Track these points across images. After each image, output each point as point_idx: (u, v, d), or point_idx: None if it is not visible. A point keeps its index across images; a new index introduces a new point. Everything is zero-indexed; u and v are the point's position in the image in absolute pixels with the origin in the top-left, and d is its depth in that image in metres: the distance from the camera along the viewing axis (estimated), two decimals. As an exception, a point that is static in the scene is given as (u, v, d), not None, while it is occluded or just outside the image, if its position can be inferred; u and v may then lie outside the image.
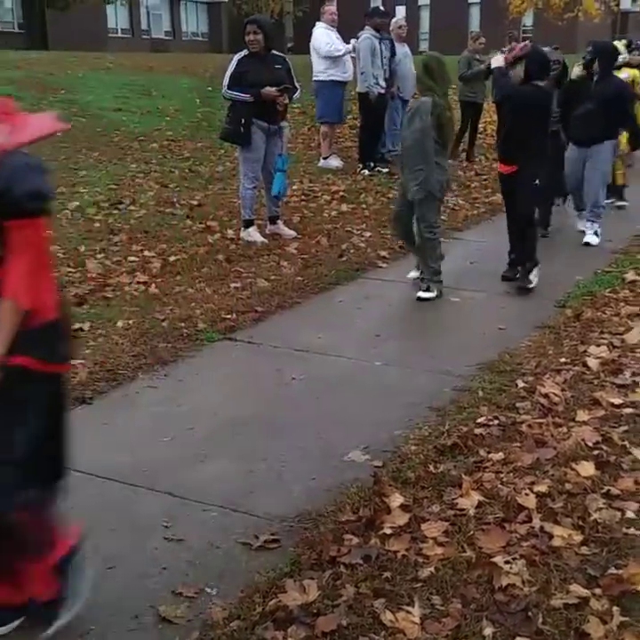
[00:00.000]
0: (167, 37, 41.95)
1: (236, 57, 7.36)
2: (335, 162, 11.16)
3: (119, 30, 39.79)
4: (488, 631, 2.51)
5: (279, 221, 7.80)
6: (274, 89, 7.17)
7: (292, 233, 7.71)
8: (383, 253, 7.22)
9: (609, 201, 9.26)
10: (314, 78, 10.87)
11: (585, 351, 4.85)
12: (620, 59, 8.84)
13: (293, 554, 2.99)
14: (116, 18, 39.29)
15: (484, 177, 10.78)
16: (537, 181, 6.17)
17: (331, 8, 10.82)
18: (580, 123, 7.42)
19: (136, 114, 12.98)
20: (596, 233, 7.71)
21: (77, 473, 3.57)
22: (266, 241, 7.48)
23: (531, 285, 6.23)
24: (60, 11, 31.10)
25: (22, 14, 33.59)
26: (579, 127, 7.47)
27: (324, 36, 10.64)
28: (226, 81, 7.31)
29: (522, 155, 6.12)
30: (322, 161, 11.19)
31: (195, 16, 45.35)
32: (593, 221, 7.73)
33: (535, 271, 6.30)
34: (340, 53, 10.64)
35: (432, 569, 2.82)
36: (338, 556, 2.92)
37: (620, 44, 9.54)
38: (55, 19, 31.97)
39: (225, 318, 5.51)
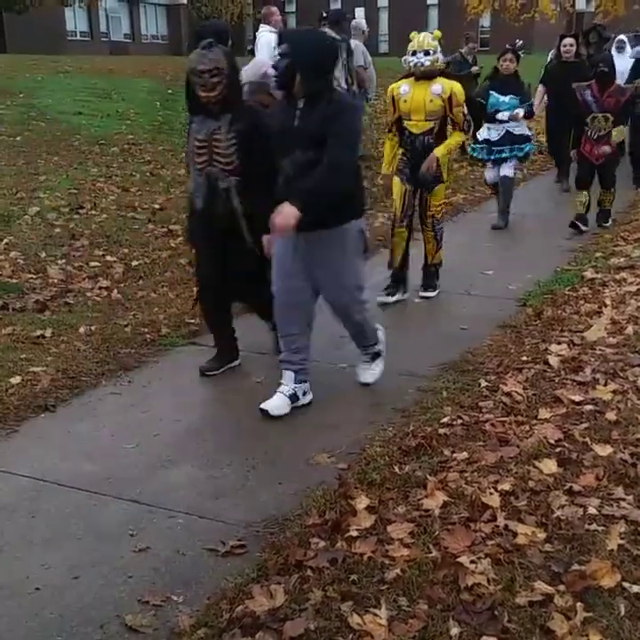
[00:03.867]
0: (126, 40, 41.66)
1: None
2: None
3: (78, 33, 39.44)
4: (454, 631, 2.52)
5: None
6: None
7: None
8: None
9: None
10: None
11: (546, 349, 4.89)
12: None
13: (260, 559, 2.99)
14: (75, 21, 38.96)
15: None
16: None
17: (274, 10, 10.67)
18: None
19: (96, 117, 12.87)
20: None
21: (41, 481, 3.58)
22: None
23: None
24: (17, 13, 30.76)
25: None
26: None
27: (264, 40, 10.35)
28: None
29: None
30: None
31: (154, 19, 45.09)
32: None
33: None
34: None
35: (398, 570, 2.83)
36: (304, 560, 2.92)
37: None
38: (12, 21, 31.64)
39: (188, 323, 5.49)
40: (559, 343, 4.94)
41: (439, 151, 5.95)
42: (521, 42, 8.20)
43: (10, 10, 30.65)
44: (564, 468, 3.49)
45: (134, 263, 6.75)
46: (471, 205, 9.88)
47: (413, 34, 6.09)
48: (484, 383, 4.42)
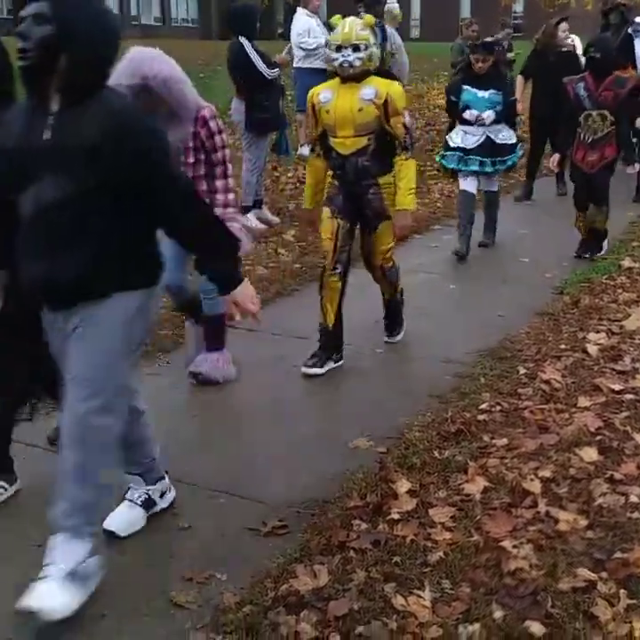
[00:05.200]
0: (157, 23, 41.69)
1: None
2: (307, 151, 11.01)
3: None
4: (498, 614, 2.54)
5: (264, 206, 7.85)
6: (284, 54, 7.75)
7: (276, 219, 7.75)
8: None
9: None
10: (294, 65, 10.78)
11: (584, 338, 4.88)
12: None
13: (302, 539, 3.02)
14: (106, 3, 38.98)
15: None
16: None
17: None
18: None
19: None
20: None
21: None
22: (265, 227, 7.50)
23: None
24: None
25: (10, 1, 33.34)
26: None
27: (299, 24, 10.48)
28: (261, 63, 7.38)
29: None
30: (299, 149, 11.06)
31: (185, 2, 45.07)
32: None
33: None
34: (311, 47, 10.44)
35: (441, 553, 2.85)
36: (347, 542, 2.95)
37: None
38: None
39: (225, 306, 5.51)
40: (597, 332, 4.93)
41: (405, 203, 4.50)
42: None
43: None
44: (604, 456, 3.49)
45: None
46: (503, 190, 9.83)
47: (336, 18, 4.64)
48: (522, 370, 4.42)
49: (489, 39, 7.68)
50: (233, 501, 3.33)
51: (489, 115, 6.71)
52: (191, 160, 4.16)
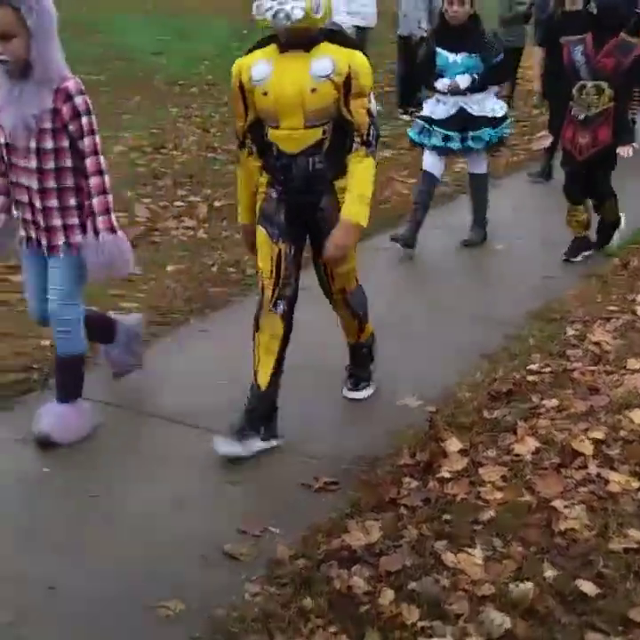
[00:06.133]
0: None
1: None
2: None
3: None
4: (549, 573, 2.57)
5: None
6: None
7: None
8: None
9: None
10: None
11: (634, 300, 4.84)
12: None
13: (353, 496, 3.06)
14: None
15: (524, 124, 10.60)
16: None
17: None
18: None
19: (174, 57, 12.89)
20: None
21: (141, 415, 3.71)
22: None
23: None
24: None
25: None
26: None
27: None
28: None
29: None
30: None
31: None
32: None
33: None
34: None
35: (492, 512, 2.88)
36: (397, 499, 2.99)
37: None
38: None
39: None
40: (647, 294, 4.88)
41: (354, 213, 3.30)
42: None
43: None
44: (656, 419, 3.48)
45: (217, 204, 6.80)
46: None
47: None
48: (571, 332, 4.41)
49: None
50: (285, 457, 3.39)
51: (463, 79, 5.64)
52: (49, 146, 3.26)
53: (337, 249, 3.35)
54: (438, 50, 5.73)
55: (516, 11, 10.56)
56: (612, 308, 4.77)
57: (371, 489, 3.07)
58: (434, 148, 5.84)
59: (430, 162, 5.91)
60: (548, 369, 3.97)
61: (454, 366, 4.13)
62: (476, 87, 5.70)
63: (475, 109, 5.74)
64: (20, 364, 4.11)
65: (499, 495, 2.97)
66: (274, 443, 3.45)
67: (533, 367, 3.99)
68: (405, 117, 10.55)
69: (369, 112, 3.31)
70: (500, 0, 11.35)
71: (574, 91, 5.39)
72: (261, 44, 3.37)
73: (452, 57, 5.68)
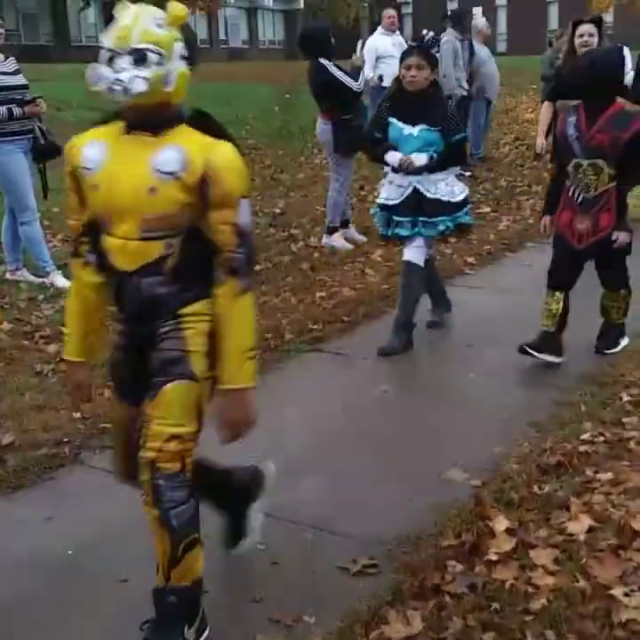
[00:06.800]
0: (244, 46, 42.38)
1: None
2: None
3: (198, 40, 40.37)
4: (609, 671, 2.34)
5: (351, 225, 7.75)
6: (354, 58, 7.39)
7: (363, 237, 7.62)
8: (470, 259, 7.04)
9: None
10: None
11: (692, 361, 4.60)
12: None
13: (394, 581, 2.85)
14: (196, 28, 39.90)
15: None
16: None
17: (387, 12, 10.65)
18: None
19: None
20: None
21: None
22: (351, 247, 7.40)
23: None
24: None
25: (105, 28, 34.29)
26: None
27: (369, 46, 10.23)
28: (347, 78, 7.14)
29: None
30: None
31: (271, 24, 45.73)
32: None
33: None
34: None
35: (544, 600, 2.65)
36: (442, 585, 2.78)
37: None
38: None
39: (312, 328, 5.42)
40: None
41: (239, 377, 2.50)
42: (430, 33, 5.11)
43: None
44: None
45: (256, 268, 6.72)
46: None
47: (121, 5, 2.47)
48: (626, 397, 4.17)
49: (425, 34, 5.04)
50: (321, 537, 3.19)
51: (417, 158, 4.84)
52: None
53: (231, 428, 2.55)
54: (392, 120, 4.91)
55: (557, 66, 10.48)
56: (668, 369, 4.53)
57: (413, 573, 2.86)
58: (406, 238, 5.04)
59: (409, 250, 5.08)
60: (601, 438, 3.74)
61: (501, 435, 3.92)
62: (435, 167, 4.90)
63: (430, 191, 4.92)
64: (51, 437, 4.01)
65: (551, 580, 2.74)
66: None
67: (586, 436, 3.76)
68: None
69: (238, 229, 2.40)
70: (542, 59, 11.40)
71: (570, 168, 4.57)
72: (107, 119, 2.53)
73: (407, 129, 4.85)
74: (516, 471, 3.49)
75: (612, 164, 4.45)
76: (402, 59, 4.90)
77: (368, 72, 9.67)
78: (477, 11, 29.30)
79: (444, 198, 4.93)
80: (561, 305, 4.78)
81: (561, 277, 4.78)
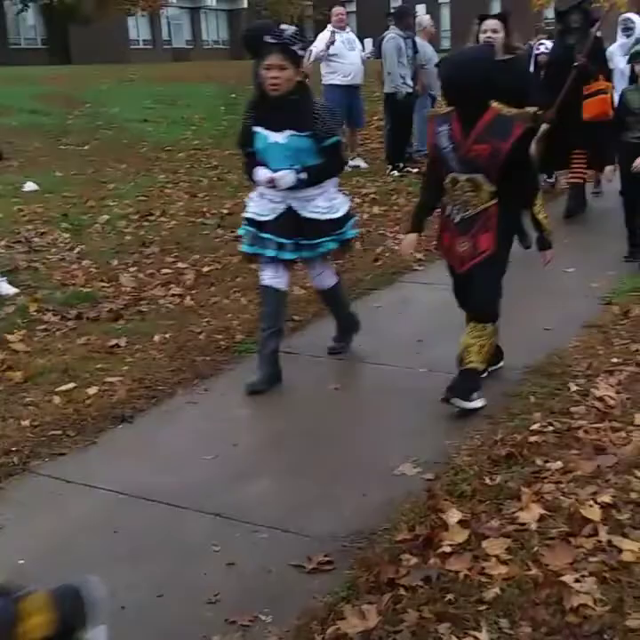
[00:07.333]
0: (188, 46, 42.10)
1: None
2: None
3: (141, 41, 40.03)
4: (562, 657, 2.37)
5: None
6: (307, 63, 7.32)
7: None
8: (419, 256, 7.07)
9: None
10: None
11: (637, 350, 4.68)
12: None
13: (349, 576, 2.86)
14: (138, 29, 39.53)
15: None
16: None
17: (336, 9, 10.76)
18: None
19: (162, 124, 12.95)
20: None
21: (121, 495, 3.52)
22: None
23: None
24: (81, 24, 31.31)
25: (45, 30, 33.88)
26: None
27: (318, 41, 10.53)
28: None
29: None
30: None
31: (215, 24, 45.48)
32: None
33: None
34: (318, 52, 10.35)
35: (497, 590, 2.68)
36: (396, 578, 2.79)
37: None
38: (77, 33, 32.20)
39: (262, 328, 5.40)
40: (651, 343, 4.72)
41: None
42: (291, 27, 4.28)
43: (74, 21, 31.14)
44: (667, 477, 3.29)
45: (205, 269, 6.69)
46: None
47: None
48: (573, 387, 4.23)
49: (284, 27, 4.32)
50: (275, 536, 3.19)
51: (284, 176, 4.28)
52: None
53: None
54: (256, 129, 4.32)
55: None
56: (614, 359, 4.60)
57: (367, 568, 2.87)
58: (270, 259, 4.48)
59: (269, 275, 4.54)
60: (550, 428, 3.79)
61: (452, 429, 3.96)
62: (307, 181, 4.33)
63: (306, 211, 4.40)
64: (-2, 447, 3.94)
65: (504, 570, 2.77)
66: None
67: (535, 427, 3.80)
68: (395, 173, 10.55)
69: None
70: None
71: (446, 183, 4.06)
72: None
73: (272, 137, 4.27)
74: (467, 463, 3.52)
75: (492, 179, 3.94)
76: (260, 56, 4.27)
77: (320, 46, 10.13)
78: (421, 8, 29.56)
79: (324, 216, 4.40)
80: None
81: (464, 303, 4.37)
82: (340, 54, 10.49)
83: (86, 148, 10.97)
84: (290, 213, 4.39)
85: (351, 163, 11.10)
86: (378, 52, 10.73)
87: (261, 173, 4.33)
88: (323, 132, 4.28)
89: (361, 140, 11.87)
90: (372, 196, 9.33)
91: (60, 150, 11.39)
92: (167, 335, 5.26)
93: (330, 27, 10.63)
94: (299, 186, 4.31)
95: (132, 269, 6.69)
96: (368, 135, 12.69)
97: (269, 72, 4.16)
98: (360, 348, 5.07)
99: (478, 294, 4.20)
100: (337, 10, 10.77)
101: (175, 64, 27.92)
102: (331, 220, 4.44)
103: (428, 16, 12.36)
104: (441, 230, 4.27)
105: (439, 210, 4.30)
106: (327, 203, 4.44)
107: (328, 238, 4.47)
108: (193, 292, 6.18)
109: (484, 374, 4.35)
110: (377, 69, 11.00)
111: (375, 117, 12.70)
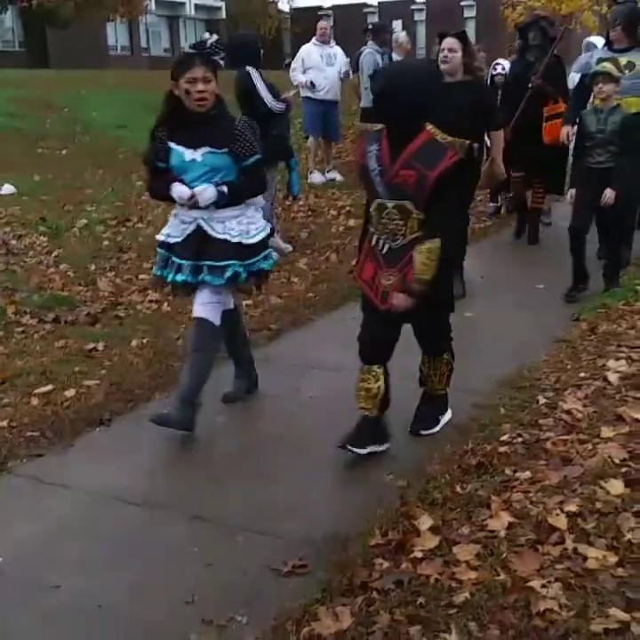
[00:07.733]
0: (166, 54, 42.10)
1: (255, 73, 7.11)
2: (318, 177, 11.12)
3: (119, 48, 39.99)
4: (529, 658, 2.45)
5: (276, 234, 7.83)
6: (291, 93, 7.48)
7: (289, 246, 7.72)
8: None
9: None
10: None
11: (604, 365, 4.79)
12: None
13: (323, 579, 2.94)
14: (116, 35, 39.49)
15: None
16: None
17: (320, 23, 10.97)
18: None
19: (139, 130, 12.96)
20: None
21: (99, 497, 3.57)
22: (277, 256, 7.47)
23: None
24: (60, 28, 31.20)
25: (23, 33, 33.71)
26: None
27: (300, 54, 10.76)
28: (267, 94, 7.07)
29: None
30: (308, 176, 11.10)
31: (194, 33, 45.50)
32: None
33: None
34: (295, 80, 10.56)
35: (467, 594, 2.76)
36: (369, 581, 2.87)
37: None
38: (56, 37, 32.09)
39: (239, 336, 5.46)
40: (617, 359, 4.83)
41: None
42: (213, 36, 4.12)
43: (53, 25, 31.02)
44: (631, 488, 3.38)
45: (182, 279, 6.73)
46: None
47: None
48: (542, 400, 4.34)
49: (205, 37, 4.17)
50: (251, 539, 3.26)
51: (203, 191, 4.03)
52: None
53: None
54: (172, 145, 4.08)
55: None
56: (582, 374, 4.71)
57: (341, 571, 2.95)
58: (177, 284, 4.22)
59: (198, 306, 4.25)
60: (519, 439, 3.89)
61: (424, 439, 4.05)
62: (227, 200, 4.08)
63: (216, 230, 4.10)
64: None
65: (473, 575, 2.86)
66: None
67: (505, 438, 3.90)
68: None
69: None
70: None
71: (372, 211, 3.74)
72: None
73: (189, 154, 4.04)
74: (439, 472, 3.61)
75: (420, 207, 3.60)
76: (182, 69, 4.00)
77: (301, 78, 10.40)
78: (397, 24, 29.81)
79: (234, 239, 4.10)
80: (382, 382, 3.91)
81: (374, 348, 3.90)
82: (317, 68, 10.65)
83: (64, 152, 10.99)
84: (198, 233, 4.10)
85: (327, 175, 11.24)
86: (355, 66, 10.86)
87: (180, 190, 4.04)
88: (243, 151, 4.07)
89: (337, 154, 11.98)
90: (348, 208, 9.43)
91: (37, 154, 11.41)
92: (145, 340, 5.32)
93: (314, 39, 10.78)
94: (219, 202, 4.06)
95: (109, 274, 6.74)
96: (343, 149, 12.81)
97: (195, 85, 3.94)
98: (335, 357, 5.15)
99: (427, 336, 4.07)
100: (320, 24, 10.96)
101: (153, 72, 27.92)
102: (241, 244, 4.13)
103: (404, 32, 12.52)
104: (364, 260, 3.88)
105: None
106: (241, 226, 4.16)
107: (236, 262, 4.09)
108: (170, 297, 6.22)
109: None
110: (354, 84, 11.13)
111: (351, 131, 12.83)
